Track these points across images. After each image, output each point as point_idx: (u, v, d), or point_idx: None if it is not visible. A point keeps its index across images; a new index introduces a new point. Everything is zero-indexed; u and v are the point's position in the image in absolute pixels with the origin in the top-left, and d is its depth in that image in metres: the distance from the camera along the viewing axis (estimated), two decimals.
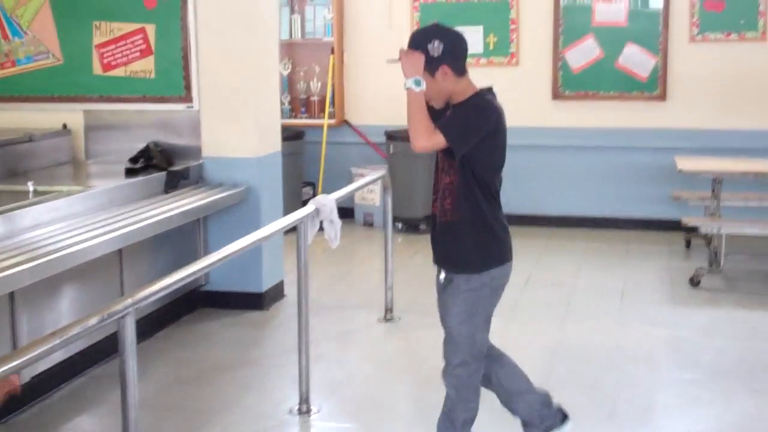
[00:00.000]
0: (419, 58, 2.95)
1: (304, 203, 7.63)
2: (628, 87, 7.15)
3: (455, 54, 2.99)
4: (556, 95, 7.30)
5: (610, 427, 3.68)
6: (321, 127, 7.60)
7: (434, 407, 3.92)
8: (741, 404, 3.87)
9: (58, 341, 2.24)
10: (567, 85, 7.28)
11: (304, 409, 3.85)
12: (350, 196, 5.51)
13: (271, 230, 3.82)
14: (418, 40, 3.01)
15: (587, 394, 4.00)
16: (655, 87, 7.09)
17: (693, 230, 6.38)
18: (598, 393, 4.02)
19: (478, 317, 3.14)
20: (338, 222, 4.34)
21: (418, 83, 2.94)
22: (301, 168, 7.54)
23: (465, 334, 3.13)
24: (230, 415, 3.89)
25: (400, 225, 7.22)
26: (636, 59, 7.10)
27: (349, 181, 7.58)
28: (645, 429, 3.69)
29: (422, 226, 7.24)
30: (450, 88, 3.00)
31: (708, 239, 6.22)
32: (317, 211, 4.17)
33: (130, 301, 2.56)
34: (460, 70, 3.00)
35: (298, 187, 7.47)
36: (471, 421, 3.24)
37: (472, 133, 2.97)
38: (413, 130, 2.96)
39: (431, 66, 2.95)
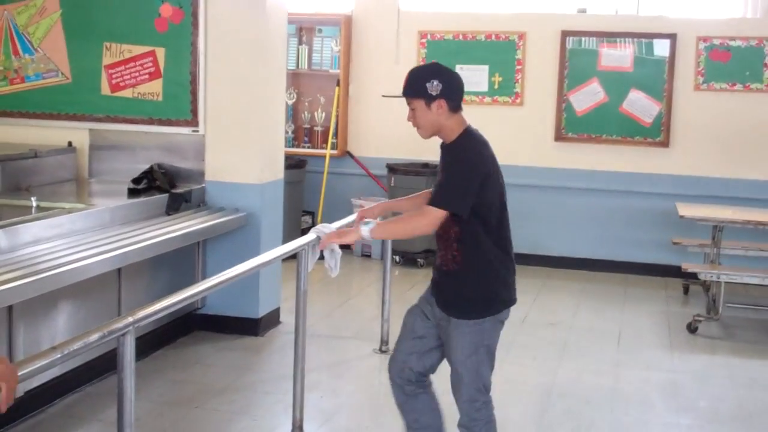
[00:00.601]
0: (344, 230, 3.19)
1: (303, 232, 7.67)
2: (632, 132, 7.19)
3: (452, 92, 3.09)
4: (559, 137, 7.34)
5: None
6: (323, 156, 7.63)
7: None
8: None
9: (58, 356, 2.22)
10: (570, 127, 7.32)
11: None
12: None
13: (272, 256, 3.82)
14: (417, 79, 3.09)
15: None
16: (659, 133, 7.13)
17: (692, 276, 6.38)
18: None
19: (483, 350, 3.11)
20: (339, 252, 4.33)
21: (366, 224, 3.14)
22: (301, 197, 7.55)
23: (470, 367, 3.09)
24: None
25: (397, 258, 7.21)
26: (640, 105, 7.15)
27: (349, 211, 7.59)
28: None
29: (420, 260, 7.24)
30: (442, 122, 3.09)
31: (706, 286, 6.22)
32: (318, 239, 4.15)
33: (130, 319, 2.55)
34: (455, 107, 3.10)
35: (298, 215, 7.48)
36: None
37: (470, 189, 2.98)
38: (415, 232, 3.13)
39: (429, 99, 3.04)
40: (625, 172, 7.20)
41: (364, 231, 3.13)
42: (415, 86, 3.07)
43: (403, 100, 3.11)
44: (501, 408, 4.24)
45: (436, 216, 2.97)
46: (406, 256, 7.30)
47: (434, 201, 3.01)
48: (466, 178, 3.00)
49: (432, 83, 3.03)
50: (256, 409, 4.23)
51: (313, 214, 7.74)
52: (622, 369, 4.90)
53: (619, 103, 7.18)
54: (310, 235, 4.10)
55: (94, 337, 2.40)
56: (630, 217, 7.21)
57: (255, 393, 4.47)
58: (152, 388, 4.35)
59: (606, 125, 7.23)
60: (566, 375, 4.76)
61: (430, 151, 7.44)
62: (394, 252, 6.60)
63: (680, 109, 7.09)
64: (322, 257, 4.21)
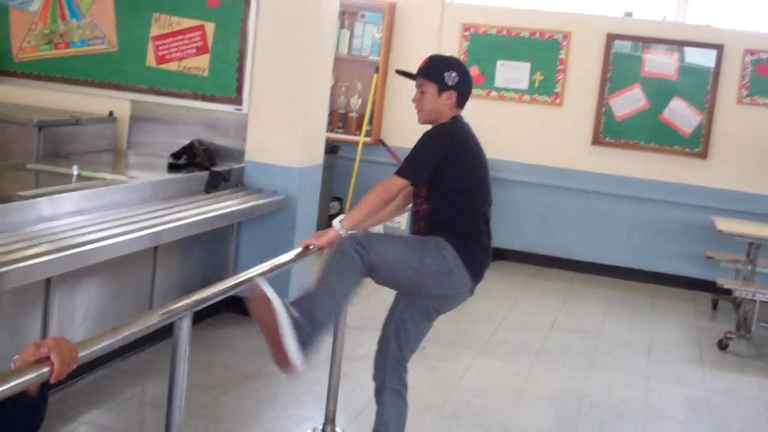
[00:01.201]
0: (321, 232, 3.14)
1: (330, 218, 7.62)
2: (670, 141, 7.10)
3: (464, 88, 3.21)
4: (597, 141, 7.25)
5: None
6: (356, 143, 7.56)
7: None
8: None
9: (119, 337, 2.18)
10: (608, 131, 7.23)
11: (328, 430, 3.78)
12: None
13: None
14: (438, 65, 3.21)
15: None
16: (698, 144, 7.04)
17: (721, 291, 6.31)
18: None
19: (421, 257, 3.02)
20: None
21: (338, 222, 3.13)
22: (331, 182, 7.48)
23: (398, 252, 3.02)
24: (251, 429, 3.81)
25: None
26: (681, 114, 7.06)
27: None
28: None
29: None
30: (444, 112, 3.18)
31: (737, 303, 6.15)
32: None
33: (189, 301, 2.50)
34: (461, 104, 3.23)
35: (327, 201, 7.42)
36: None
37: (427, 161, 3.05)
38: (376, 202, 3.09)
39: (443, 87, 3.15)
40: (661, 181, 7.12)
41: (336, 225, 3.13)
42: (435, 71, 3.18)
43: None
44: (537, 416, 4.23)
45: (391, 182, 3.05)
46: None
47: (398, 170, 3.09)
48: (423, 151, 3.07)
49: (451, 74, 3.15)
50: (284, 399, 4.19)
51: (341, 200, 7.68)
52: (654, 383, 4.84)
53: (660, 110, 7.09)
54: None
55: (154, 319, 2.36)
56: (662, 227, 7.13)
57: (282, 381, 4.41)
58: (188, 368, 4.29)
59: (645, 132, 7.14)
60: (597, 385, 4.71)
61: None
62: None
63: (721, 121, 7.00)
64: None
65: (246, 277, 2.94)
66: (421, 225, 3.17)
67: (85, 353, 2.03)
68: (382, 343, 3.36)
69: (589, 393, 4.57)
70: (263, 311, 2.80)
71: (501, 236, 7.54)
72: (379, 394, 3.35)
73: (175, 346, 2.49)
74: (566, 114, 7.32)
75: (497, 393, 4.47)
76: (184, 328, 2.48)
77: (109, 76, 5.34)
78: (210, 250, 5.07)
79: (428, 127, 3.24)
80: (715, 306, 6.60)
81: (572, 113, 7.30)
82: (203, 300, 2.60)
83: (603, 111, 7.22)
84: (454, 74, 3.15)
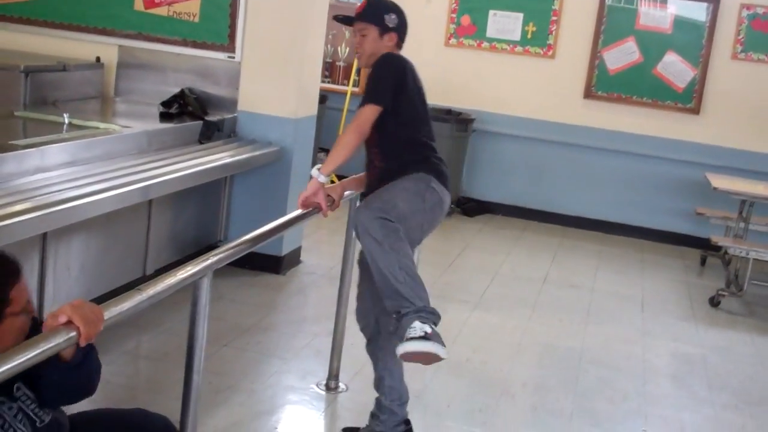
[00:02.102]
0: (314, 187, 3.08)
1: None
2: (663, 96, 7.04)
3: (403, 30, 3.23)
4: (589, 94, 7.18)
5: None
6: (344, 93, 7.42)
7: (463, 394, 3.86)
8: None
9: (145, 297, 2.09)
10: (601, 85, 7.16)
11: (332, 385, 3.73)
12: None
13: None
14: (378, 7, 3.17)
15: (619, 405, 3.93)
16: (690, 99, 7.00)
17: (710, 248, 6.33)
18: (630, 405, 3.94)
19: (416, 203, 3.04)
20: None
21: (317, 171, 3.09)
22: (319, 133, 7.35)
23: (388, 198, 2.99)
24: (253, 383, 3.75)
25: None
26: (675, 69, 7.00)
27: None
28: None
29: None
30: (384, 52, 3.16)
31: (726, 260, 6.17)
32: None
33: (209, 261, 2.41)
34: (400, 45, 3.23)
35: (315, 152, 7.29)
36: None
37: (387, 83, 3.04)
38: (353, 138, 3.03)
39: (384, 29, 3.15)
40: (653, 136, 7.08)
41: (315, 174, 3.08)
42: (375, 13, 3.16)
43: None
44: (537, 372, 4.22)
45: (361, 114, 3.01)
46: None
47: (361, 103, 3.06)
48: (382, 77, 3.07)
49: (390, 15, 3.15)
50: (285, 352, 4.13)
51: (328, 151, 7.55)
52: (650, 339, 4.85)
53: (654, 64, 7.03)
54: None
55: (175, 279, 2.27)
56: (652, 182, 7.12)
57: (281, 334, 4.37)
58: (177, 322, 4.21)
59: (638, 86, 7.08)
60: (594, 340, 4.70)
61: (457, 97, 7.33)
62: None
63: (715, 76, 6.95)
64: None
65: (266, 229, 2.85)
66: (377, 173, 3.15)
67: (111, 315, 1.95)
68: (362, 297, 3.32)
69: (587, 348, 4.57)
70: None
71: (489, 190, 7.53)
72: (373, 342, 3.29)
73: (196, 305, 2.41)
74: (559, 66, 7.22)
75: (496, 348, 4.45)
76: (204, 288, 2.40)
77: (95, 21, 5.15)
78: (203, 202, 4.97)
79: None
80: (703, 262, 6.62)
81: (565, 66, 7.21)
82: (224, 259, 2.52)
83: (596, 64, 7.13)
84: (393, 16, 3.16)
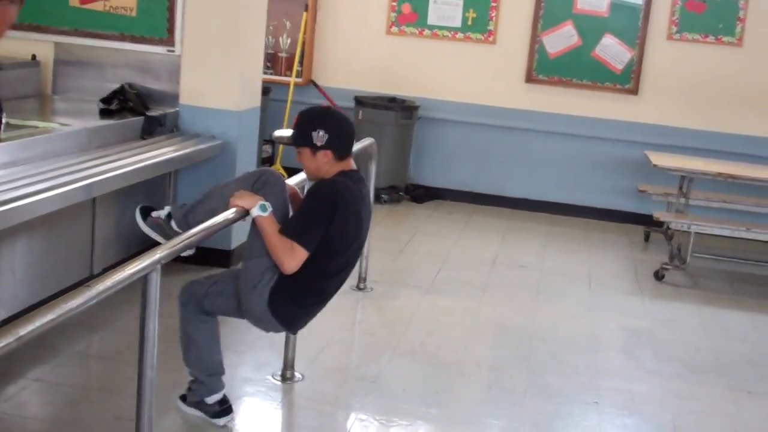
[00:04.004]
0: (249, 194, 3.03)
1: (264, 161, 7.46)
2: (602, 77, 7.16)
3: (339, 142, 3.11)
4: (530, 78, 7.27)
5: (596, 414, 3.67)
6: (286, 85, 7.39)
7: (419, 377, 3.89)
8: (722, 402, 3.91)
9: (92, 293, 2.08)
10: (542, 69, 7.24)
11: (288, 375, 3.73)
12: None
13: None
14: (305, 126, 3.12)
15: (570, 379, 4.00)
16: (629, 80, 7.12)
17: (653, 224, 6.46)
18: (581, 379, 4.02)
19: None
20: None
21: (263, 208, 2.99)
22: (263, 125, 7.30)
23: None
24: None
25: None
26: (612, 51, 7.12)
27: None
28: (631, 418, 3.70)
29: (383, 196, 7.13)
30: (326, 169, 3.12)
31: (669, 235, 6.31)
32: None
33: (157, 256, 2.40)
34: (342, 156, 3.13)
35: (259, 144, 7.25)
36: None
37: (313, 224, 3.02)
38: (278, 256, 2.99)
39: (314, 148, 3.08)
40: (594, 117, 7.19)
41: (254, 212, 3.01)
42: (301, 134, 3.11)
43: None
44: (490, 352, 4.28)
45: (297, 257, 2.99)
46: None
47: (289, 233, 3.01)
48: (309, 214, 3.07)
49: (318, 133, 3.06)
50: (238, 345, 4.11)
51: (274, 143, 7.53)
52: (597, 313, 4.95)
53: (592, 47, 7.14)
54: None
55: (124, 274, 2.26)
56: (595, 162, 7.24)
57: (233, 328, 4.31)
58: (127, 320, 4.16)
59: (577, 69, 7.19)
60: (544, 318, 4.78)
61: (400, 85, 7.37)
62: None
63: (652, 57, 7.08)
64: None
65: (210, 225, 2.83)
66: None
67: (61, 313, 1.93)
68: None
69: (537, 327, 4.64)
70: None
71: (435, 176, 7.59)
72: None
73: (146, 300, 2.40)
74: (499, 52, 7.29)
75: (449, 330, 4.49)
76: (154, 282, 2.38)
77: (29, 17, 5.04)
78: (148, 198, 4.89)
79: None
80: (647, 238, 6.76)
81: (506, 51, 7.28)
82: (173, 253, 2.51)
83: (536, 48, 7.22)
84: (321, 133, 3.05)
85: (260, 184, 3.14)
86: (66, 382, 3.57)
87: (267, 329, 3.31)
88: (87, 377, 3.79)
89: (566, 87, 7.22)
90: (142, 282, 2.41)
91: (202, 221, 2.93)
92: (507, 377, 3.96)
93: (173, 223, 3.28)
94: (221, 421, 3.31)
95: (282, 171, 6.69)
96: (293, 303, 3.15)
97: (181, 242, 2.64)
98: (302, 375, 3.78)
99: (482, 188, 7.42)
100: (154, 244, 4.95)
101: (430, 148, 7.51)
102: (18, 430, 3.20)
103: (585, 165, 7.26)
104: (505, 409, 3.65)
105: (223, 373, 3.37)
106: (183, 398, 3.40)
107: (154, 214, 3.33)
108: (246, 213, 3.04)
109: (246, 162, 5.19)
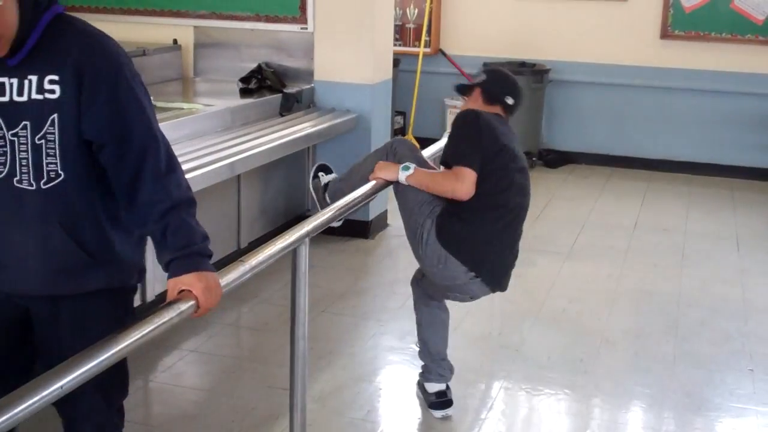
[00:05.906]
0: (387, 164, 3.10)
1: (396, 133, 7.50)
2: (743, 29, 6.80)
3: (492, 89, 3.18)
4: (665, 34, 6.98)
5: (750, 383, 3.54)
6: (415, 55, 7.39)
7: (562, 345, 3.82)
8: None
9: (246, 268, 2.16)
10: (677, 24, 6.94)
11: None
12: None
13: None
14: (498, 86, 3.20)
15: (722, 346, 3.87)
16: None
17: None
18: (734, 345, 3.88)
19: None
20: None
21: (406, 168, 3.04)
22: (394, 97, 7.35)
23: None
24: (353, 347, 3.83)
25: None
26: (752, 1, 6.74)
27: (442, 112, 7.41)
28: None
29: None
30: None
31: None
32: None
33: (306, 229, 2.47)
34: (490, 101, 3.15)
35: (392, 115, 7.30)
36: None
37: (465, 144, 3.00)
38: (448, 189, 2.97)
39: (468, 89, 3.23)
40: (735, 71, 6.85)
41: (401, 176, 3.03)
42: (493, 91, 3.17)
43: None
44: (635, 319, 4.19)
45: (466, 179, 2.93)
46: None
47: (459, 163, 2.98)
48: (462, 136, 3.06)
49: (508, 99, 3.15)
50: (381, 314, 4.20)
51: (404, 114, 7.57)
52: (749, 277, 4.75)
53: None
54: None
55: (275, 248, 2.34)
56: (737, 119, 6.90)
57: (375, 297, 4.43)
58: (274, 291, 4.32)
59: (716, 22, 6.84)
60: (691, 283, 4.63)
61: (529, 49, 7.24)
62: None
63: None
64: None
65: (354, 198, 2.90)
66: None
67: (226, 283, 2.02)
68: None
69: (684, 292, 4.50)
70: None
71: (568, 140, 7.44)
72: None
73: (296, 273, 2.47)
74: (631, 8, 7.03)
75: (591, 297, 4.42)
76: (303, 255, 2.46)
77: (169, 4, 5.26)
78: (288, 174, 5.04)
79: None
80: None
81: (637, 7, 7.02)
82: (320, 226, 2.58)
83: (671, 3, 6.92)
84: (511, 100, 3.18)
85: (392, 152, 3.20)
86: (219, 353, 3.74)
87: (464, 288, 3.10)
88: (238, 347, 3.96)
89: (704, 41, 6.90)
90: (291, 255, 2.48)
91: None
92: (654, 344, 3.87)
93: (327, 195, 3.37)
94: (437, 414, 3.24)
95: (414, 140, 6.72)
96: (458, 219, 2.99)
97: (325, 216, 2.70)
98: None
99: (618, 150, 7.22)
100: (295, 219, 5.12)
101: (562, 112, 7.36)
102: (177, 400, 3.37)
103: (727, 122, 6.93)
104: (655, 378, 3.57)
105: (444, 360, 3.31)
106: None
107: (323, 178, 3.46)
108: (389, 183, 3.08)
109: (380, 134, 5.24)
